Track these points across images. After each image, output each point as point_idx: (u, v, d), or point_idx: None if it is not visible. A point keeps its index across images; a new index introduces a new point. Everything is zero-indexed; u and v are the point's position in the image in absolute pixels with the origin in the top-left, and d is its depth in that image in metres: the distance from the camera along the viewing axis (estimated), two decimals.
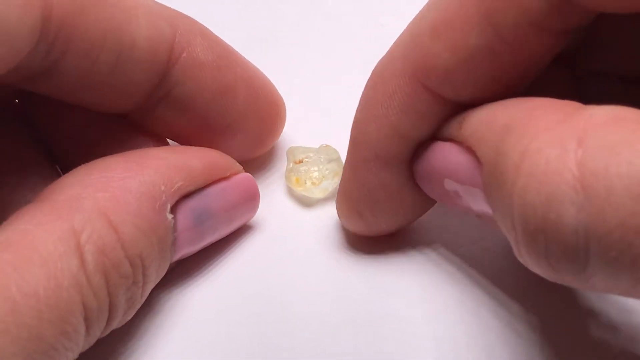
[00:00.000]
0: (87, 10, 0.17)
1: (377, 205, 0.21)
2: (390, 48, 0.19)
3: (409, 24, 0.19)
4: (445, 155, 0.18)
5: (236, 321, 0.20)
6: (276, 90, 0.23)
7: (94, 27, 0.17)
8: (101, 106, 0.20)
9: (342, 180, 0.21)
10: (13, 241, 0.15)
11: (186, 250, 0.20)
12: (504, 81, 0.18)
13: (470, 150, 0.17)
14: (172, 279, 0.21)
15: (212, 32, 0.21)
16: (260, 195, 0.22)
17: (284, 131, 0.24)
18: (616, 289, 0.14)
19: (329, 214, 0.23)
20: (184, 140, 0.21)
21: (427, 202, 0.21)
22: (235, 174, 0.21)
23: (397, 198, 0.20)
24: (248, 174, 0.21)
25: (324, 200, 0.24)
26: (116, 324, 0.17)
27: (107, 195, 0.17)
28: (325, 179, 0.23)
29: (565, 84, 0.20)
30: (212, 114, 0.21)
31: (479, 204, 0.18)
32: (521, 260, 0.16)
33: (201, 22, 0.21)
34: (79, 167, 0.18)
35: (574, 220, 0.13)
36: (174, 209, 0.18)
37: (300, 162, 0.23)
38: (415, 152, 0.20)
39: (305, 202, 0.24)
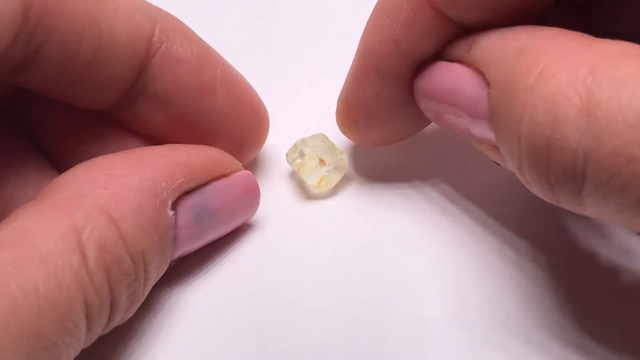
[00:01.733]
0: (67, 0, 0.17)
1: (371, 116, 0.21)
2: None
3: None
4: (452, 75, 0.19)
5: (237, 319, 0.20)
6: (258, 97, 0.22)
7: (73, 17, 0.17)
8: (81, 100, 0.20)
9: (343, 87, 0.22)
10: (13, 239, 0.15)
11: (187, 247, 0.20)
12: (508, 10, 0.18)
13: (478, 71, 0.18)
14: (173, 277, 0.21)
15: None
16: (261, 192, 0.22)
17: (284, 131, 0.24)
18: (604, 212, 0.15)
19: (330, 211, 0.23)
20: (163, 141, 0.21)
21: (420, 121, 0.22)
22: (236, 171, 0.21)
23: (391, 112, 0.21)
24: (248, 172, 0.21)
25: (324, 196, 0.24)
26: (118, 320, 0.17)
27: (108, 193, 0.17)
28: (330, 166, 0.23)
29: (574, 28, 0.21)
30: (191, 114, 0.20)
31: (481, 128, 0.18)
32: (521, 179, 0.17)
33: (198, 22, 0.21)
34: (78, 165, 0.18)
35: (575, 142, 0.14)
36: (174, 206, 0.18)
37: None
38: (418, 70, 0.20)
39: (307, 193, 0.24)
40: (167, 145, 0.20)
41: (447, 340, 0.19)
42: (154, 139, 0.21)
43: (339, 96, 0.22)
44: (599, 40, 0.16)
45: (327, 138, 0.24)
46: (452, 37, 0.19)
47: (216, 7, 0.30)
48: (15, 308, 0.14)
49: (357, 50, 0.21)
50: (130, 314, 0.18)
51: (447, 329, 0.20)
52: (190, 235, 0.19)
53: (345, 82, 0.22)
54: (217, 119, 0.21)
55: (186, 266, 0.21)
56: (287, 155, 0.24)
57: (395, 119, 0.22)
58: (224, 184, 0.20)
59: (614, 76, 0.14)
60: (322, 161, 0.23)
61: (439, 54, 0.20)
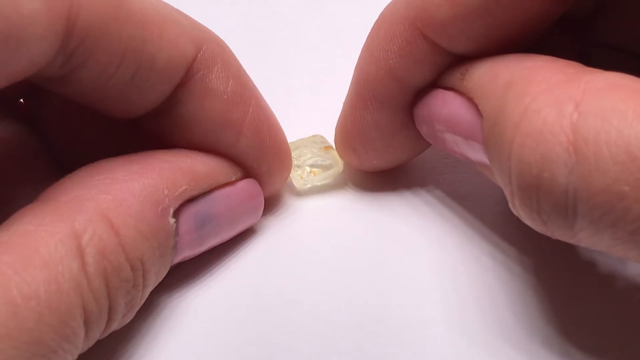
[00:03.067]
0: (110, 26, 0.17)
1: (370, 144, 0.22)
2: None
3: None
4: (447, 103, 0.19)
5: (236, 323, 0.20)
6: (285, 140, 0.22)
7: (115, 44, 0.17)
8: (107, 111, 0.20)
9: (340, 115, 0.22)
10: (14, 242, 0.15)
11: (187, 253, 0.19)
12: (500, 40, 0.18)
13: (472, 101, 0.18)
14: (172, 282, 0.21)
15: (238, 63, 0.20)
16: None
17: (284, 132, 0.24)
18: (599, 245, 0.15)
19: (328, 213, 0.23)
20: None
21: (420, 145, 0.22)
22: (240, 179, 0.21)
23: (390, 139, 0.22)
24: (253, 180, 0.21)
25: (324, 198, 0.24)
26: (116, 326, 0.17)
27: (110, 198, 0.17)
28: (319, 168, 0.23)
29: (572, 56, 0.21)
30: (211, 144, 0.20)
31: (477, 154, 0.18)
32: (515, 213, 0.17)
33: (200, 22, 0.20)
34: (81, 168, 0.18)
35: (565, 180, 0.14)
36: (176, 213, 0.18)
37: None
38: (416, 97, 0.21)
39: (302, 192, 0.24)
40: (172, 150, 0.20)
41: (444, 341, 0.19)
42: None
43: (337, 124, 0.23)
44: (587, 70, 0.16)
45: (324, 139, 0.24)
46: (446, 65, 0.19)
47: (216, 7, 0.30)
48: (16, 313, 0.14)
49: (353, 80, 0.21)
50: (128, 320, 0.18)
51: (445, 329, 0.20)
52: (191, 242, 0.19)
53: (342, 110, 0.22)
54: (237, 156, 0.21)
55: (186, 270, 0.21)
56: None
57: (394, 144, 0.22)
58: (228, 191, 0.20)
59: (600, 111, 0.14)
60: (313, 172, 0.23)
61: (435, 82, 0.20)
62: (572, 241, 0.16)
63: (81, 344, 0.16)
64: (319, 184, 0.24)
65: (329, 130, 0.24)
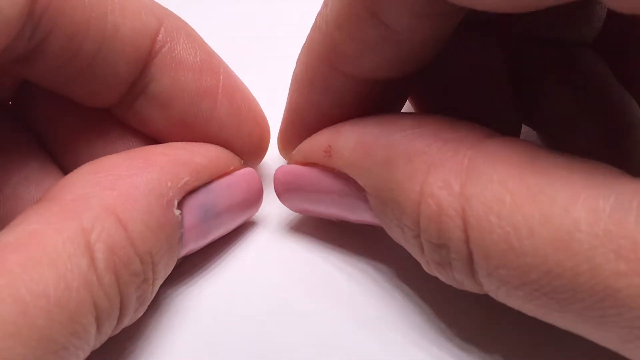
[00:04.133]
0: None
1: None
2: (312, 27, 0.20)
3: (321, 7, 0.19)
4: (318, 180, 0.20)
5: (245, 317, 0.20)
6: (261, 109, 0.22)
7: (79, 12, 0.17)
8: (84, 97, 0.20)
9: (280, 129, 0.23)
10: (22, 242, 0.15)
11: (192, 245, 0.20)
12: (408, 62, 0.18)
13: (348, 177, 0.19)
14: (178, 276, 0.21)
15: (199, 36, 0.21)
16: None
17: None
18: (512, 304, 0.16)
19: None
20: (163, 141, 0.21)
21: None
22: (238, 168, 0.21)
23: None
24: (251, 169, 0.21)
25: None
26: (127, 321, 0.17)
27: (115, 193, 0.17)
28: None
29: (488, 49, 0.22)
30: (190, 117, 0.20)
31: (362, 216, 0.19)
32: (430, 272, 0.18)
33: (200, 21, 0.21)
34: (83, 166, 0.18)
35: (465, 249, 0.16)
36: (180, 205, 0.18)
37: None
38: (279, 172, 0.21)
39: None
40: (170, 144, 0.20)
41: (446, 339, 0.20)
42: (154, 140, 0.21)
43: (278, 134, 0.23)
44: (463, 137, 0.16)
45: None
46: (366, 92, 0.20)
47: (216, 7, 0.30)
48: (25, 311, 0.14)
49: (286, 107, 0.22)
50: (140, 314, 0.18)
51: (445, 328, 0.20)
52: (196, 234, 0.19)
53: (281, 125, 0.23)
54: (217, 126, 0.21)
55: (191, 264, 0.21)
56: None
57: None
58: (228, 181, 0.20)
59: (481, 195, 0.15)
60: None
61: (295, 159, 0.21)
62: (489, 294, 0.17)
63: (93, 341, 0.16)
64: None
65: None
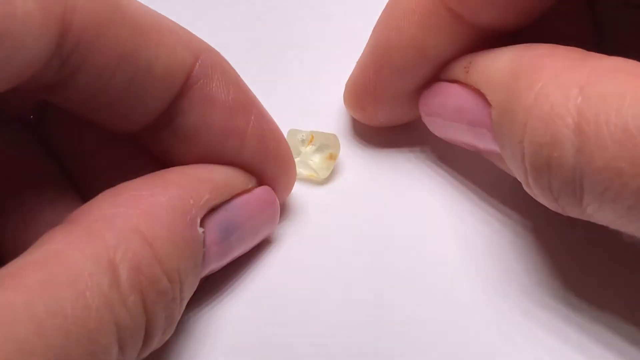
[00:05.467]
0: (106, 30, 0.17)
1: (380, 103, 0.23)
2: None
3: None
4: (453, 95, 0.20)
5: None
6: (288, 148, 0.22)
7: (112, 47, 0.17)
8: (109, 124, 0.20)
9: (352, 74, 0.23)
10: (42, 261, 0.15)
11: (214, 265, 0.19)
12: (520, 6, 0.19)
13: (478, 92, 0.19)
14: (199, 297, 0.21)
15: (235, 72, 0.20)
16: None
17: (283, 130, 0.23)
18: (604, 220, 0.16)
19: (344, 220, 0.23)
20: None
21: None
22: (255, 187, 0.21)
23: (400, 99, 0.22)
24: (267, 187, 0.21)
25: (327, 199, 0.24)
26: (156, 344, 0.17)
27: (139, 212, 0.17)
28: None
29: (582, 18, 0.22)
30: (215, 155, 0.20)
31: (486, 142, 0.19)
32: (529, 192, 0.18)
33: (200, 22, 0.21)
34: (104, 192, 0.18)
35: (572, 159, 0.15)
36: (202, 223, 0.18)
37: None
38: (420, 92, 0.22)
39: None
40: (188, 165, 0.20)
41: (461, 287, 0.21)
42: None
43: (348, 82, 0.23)
44: (590, 56, 0.17)
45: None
46: (468, 38, 0.20)
47: (216, 7, 0.30)
48: (41, 330, 0.14)
49: (370, 44, 0.22)
50: (168, 336, 0.17)
51: (463, 278, 0.21)
52: (218, 252, 0.19)
53: (355, 70, 0.23)
54: (241, 165, 0.20)
55: (210, 284, 0.21)
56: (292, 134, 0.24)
57: (404, 105, 0.23)
58: (247, 199, 0.20)
59: (601, 94, 0.15)
60: (331, 157, 0.24)
61: (438, 76, 0.21)
62: (582, 217, 0.17)
63: None
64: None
65: (328, 128, 0.24)
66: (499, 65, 0.18)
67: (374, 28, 0.22)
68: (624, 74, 0.15)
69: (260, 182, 0.21)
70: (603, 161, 0.15)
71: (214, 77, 0.19)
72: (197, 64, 0.19)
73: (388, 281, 0.21)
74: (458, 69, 0.20)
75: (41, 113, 0.21)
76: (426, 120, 0.22)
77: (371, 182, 0.24)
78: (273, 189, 0.21)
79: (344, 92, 0.24)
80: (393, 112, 0.23)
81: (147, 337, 0.16)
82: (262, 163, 0.21)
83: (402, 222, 0.22)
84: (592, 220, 0.17)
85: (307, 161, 0.24)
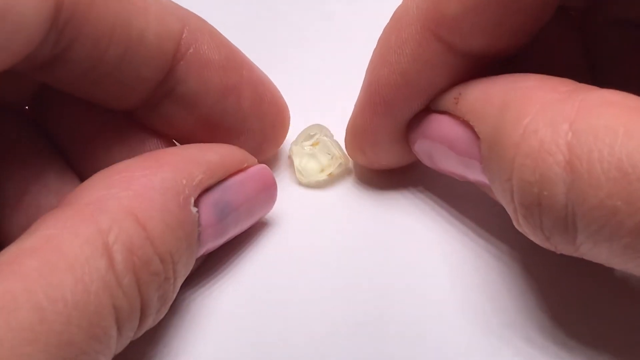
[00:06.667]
0: (98, 1, 0.17)
1: (379, 146, 0.22)
2: (402, 4, 0.20)
3: None
4: (443, 126, 0.19)
5: (264, 318, 0.20)
6: (281, 96, 0.23)
7: (104, 18, 0.17)
8: (107, 101, 0.20)
9: (351, 117, 0.22)
10: (38, 247, 0.15)
11: (210, 244, 0.19)
12: (510, 30, 0.18)
13: (467, 124, 0.18)
14: (195, 277, 0.21)
15: (221, 33, 0.21)
16: None
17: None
18: (599, 258, 0.16)
19: (342, 203, 0.23)
20: (186, 140, 0.21)
21: None
22: (251, 165, 0.21)
23: (398, 142, 0.22)
24: (264, 165, 0.21)
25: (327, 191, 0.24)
26: (150, 323, 0.17)
27: (131, 194, 0.16)
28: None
29: (574, 37, 0.21)
30: (216, 115, 0.21)
31: (475, 174, 0.19)
32: (519, 229, 0.17)
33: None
34: (97, 173, 0.18)
35: (563, 197, 0.15)
36: (196, 203, 0.18)
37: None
38: (409, 123, 0.21)
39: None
40: (181, 145, 0.20)
41: (448, 338, 0.20)
42: (176, 139, 0.21)
43: (347, 126, 0.22)
44: (580, 88, 0.16)
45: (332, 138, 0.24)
46: (458, 68, 0.19)
47: (216, 6, 0.30)
48: (43, 317, 0.14)
49: (364, 83, 0.21)
50: (162, 316, 0.18)
51: (450, 313, 0.20)
52: (213, 232, 0.19)
53: (353, 112, 0.22)
54: (241, 119, 0.21)
55: (205, 266, 0.21)
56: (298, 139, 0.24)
57: (403, 147, 0.22)
58: (242, 178, 0.20)
59: (592, 129, 0.14)
60: (322, 170, 0.23)
61: (428, 107, 0.20)
62: (575, 254, 0.16)
63: (114, 344, 0.16)
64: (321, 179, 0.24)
65: (331, 127, 0.24)
66: (488, 97, 0.18)
67: (368, 66, 0.21)
68: (614, 107, 0.15)
69: (259, 131, 0.22)
70: (597, 199, 0.14)
71: (204, 41, 0.20)
72: (185, 29, 0.19)
73: (376, 309, 0.20)
74: (448, 100, 0.19)
75: (37, 101, 0.21)
76: (416, 150, 0.21)
77: (359, 214, 0.23)
78: (272, 135, 0.22)
79: (345, 137, 0.23)
80: (392, 154, 0.22)
81: (142, 316, 0.16)
82: (259, 113, 0.21)
83: (390, 252, 0.22)
84: (586, 257, 0.16)
85: (296, 156, 0.24)
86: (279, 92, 0.22)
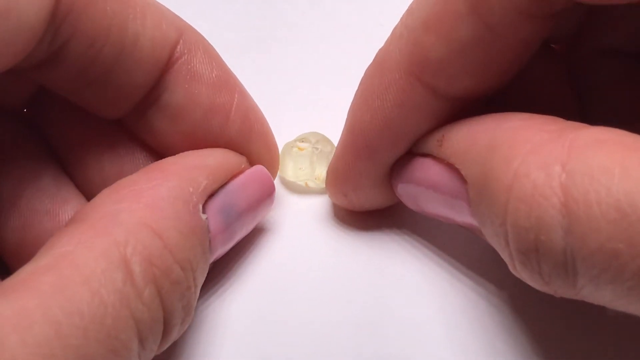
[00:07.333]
0: (95, 0, 0.17)
1: (361, 189, 0.21)
2: (387, 39, 0.19)
3: (403, 16, 0.19)
4: (427, 170, 0.19)
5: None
6: (272, 133, 0.22)
7: (100, 18, 0.17)
8: (98, 106, 0.20)
9: (332, 159, 0.22)
10: (54, 264, 0.15)
11: (220, 250, 0.19)
12: (496, 70, 0.18)
13: (453, 167, 0.18)
14: (205, 285, 0.20)
15: (216, 51, 0.21)
16: None
17: (284, 130, 0.24)
18: (601, 301, 0.15)
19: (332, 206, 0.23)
20: (171, 155, 0.20)
21: None
22: (247, 167, 0.21)
23: (380, 186, 0.21)
24: (261, 166, 0.21)
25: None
26: (175, 334, 0.17)
27: (142, 206, 0.16)
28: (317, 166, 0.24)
29: (559, 70, 0.21)
30: (201, 132, 0.20)
31: (464, 217, 0.18)
32: (516, 274, 0.16)
33: (200, 21, 0.21)
34: (103, 190, 0.18)
35: (562, 242, 0.14)
36: (203, 210, 0.18)
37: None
38: (393, 167, 0.20)
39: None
40: (179, 154, 0.20)
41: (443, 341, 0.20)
42: (162, 152, 0.21)
43: (328, 169, 0.22)
44: (568, 127, 0.16)
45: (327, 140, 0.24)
46: (443, 113, 0.19)
47: (216, 6, 0.29)
48: (59, 331, 0.14)
49: (346, 126, 0.21)
50: (186, 326, 0.17)
51: (444, 330, 0.20)
52: (222, 237, 0.19)
53: (334, 155, 0.22)
54: (227, 144, 0.20)
55: (215, 272, 0.21)
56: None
57: (386, 190, 0.21)
58: (243, 180, 0.20)
59: (587, 170, 0.14)
60: (307, 185, 0.24)
61: (410, 150, 0.20)
62: (576, 297, 0.16)
63: (136, 358, 0.15)
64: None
65: (327, 130, 0.24)
66: (473, 139, 0.17)
67: (350, 108, 0.21)
68: (607, 145, 0.14)
69: (247, 160, 0.21)
70: (597, 243, 0.14)
71: (197, 54, 0.20)
72: (181, 40, 0.19)
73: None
74: (431, 143, 0.19)
75: (34, 104, 0.21)
76: (399, 194, 0.21)
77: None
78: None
79: (326, 179, 0.22)
80: (375, 197, 0.22)
81: (166, 328, 0.16)
82: (246, 141, 0.21)
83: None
84: (587, 300, 0.16)
85: (283, 151, 0.24)
86: (269, 128, 0.22)
